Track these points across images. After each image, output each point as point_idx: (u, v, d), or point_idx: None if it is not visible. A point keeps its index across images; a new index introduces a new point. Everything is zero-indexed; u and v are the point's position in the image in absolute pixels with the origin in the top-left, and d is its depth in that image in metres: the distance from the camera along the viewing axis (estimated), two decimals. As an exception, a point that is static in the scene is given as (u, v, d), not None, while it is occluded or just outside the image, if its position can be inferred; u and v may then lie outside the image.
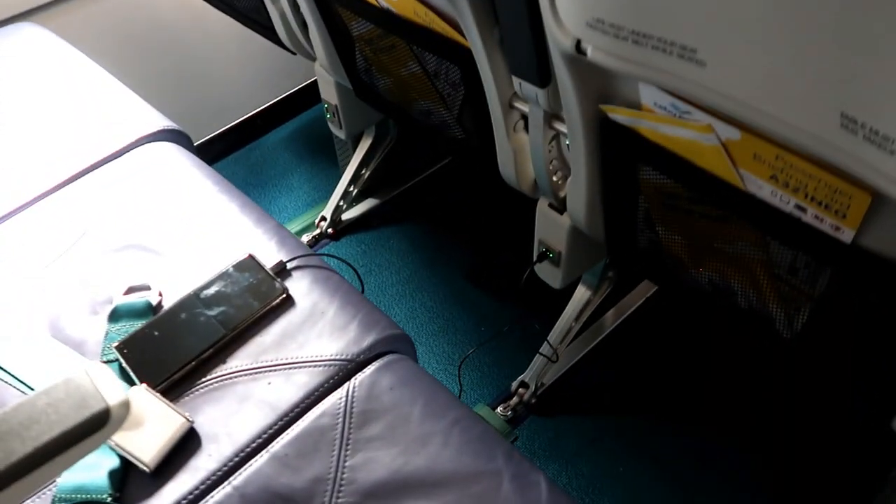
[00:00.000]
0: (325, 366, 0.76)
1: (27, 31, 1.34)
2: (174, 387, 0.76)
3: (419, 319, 1.42)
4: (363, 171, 1.61)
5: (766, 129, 0.54)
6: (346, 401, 0.73)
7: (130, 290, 0.85)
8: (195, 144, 1.78)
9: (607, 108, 0.71)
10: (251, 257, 0.85)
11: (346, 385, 0.75)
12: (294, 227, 1.64)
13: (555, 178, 0.93)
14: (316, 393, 0.74)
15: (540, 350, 1.23)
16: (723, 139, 0.61)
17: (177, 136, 1.11)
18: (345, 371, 0.76)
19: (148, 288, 0.85)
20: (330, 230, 1.60)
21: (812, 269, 0.65)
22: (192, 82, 1.73)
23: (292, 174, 1.79)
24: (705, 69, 0.51)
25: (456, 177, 1.71)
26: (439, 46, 0.90)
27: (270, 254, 0.87)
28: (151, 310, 0.83)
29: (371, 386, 0.74)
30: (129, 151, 1.05)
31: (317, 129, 1.91)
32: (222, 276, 0.84)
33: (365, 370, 0.76)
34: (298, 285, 0.84)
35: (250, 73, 1.83)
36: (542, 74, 0.75)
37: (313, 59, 1.29)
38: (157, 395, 0.73)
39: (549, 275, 1.07)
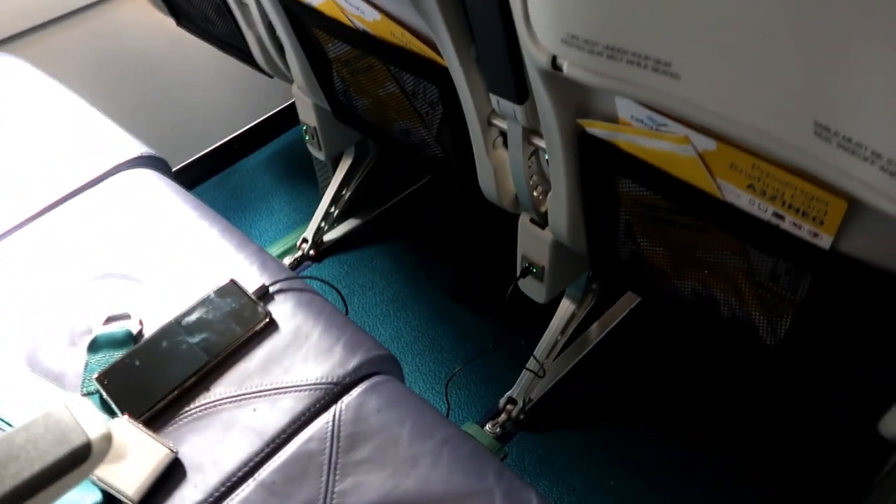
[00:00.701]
0: (310, 390, 0.75)
1: (0, 61, 1.33)
2: (157, 417, 0.74)
3: (404, 339, 1.41)
4: (344, 192, 1.60)
5: (742, 138, 0.54)
6: (333, 424, 0.72)
7: (110, 320, 0.83)
8: (174, 170, 1.78)
9: (585, 122, 0.72)
10: (233, 282, 0.85)
11: (332, 408, 0.74)
12: (276, 250, 1.63)
13: (535, 193, 0.93)
14: (302, 418, 0.73)
15: (526, 365, 1.23)
16: (699, 150, 0.61)
17: (154, 163, 1.10)
18: (331, 394, 0.75)
19: (128, 317, 0.83)
20: (312, 252, 1.59)
21: (792, 275, 0.66)
22: (169, 108, 1.72)
23: (272, 197, 1.78)
24: (679, 82, 0.52)
25: (436, 195, 1.71)
26: (416, 66, 0.91)
27: (252, 278, 0.86)
28: (132, 339, 0.81)
29: (358, 408, 0.73)
30: (106, 179, 1.04)
31: (296, 151, 1.91)
32: (204, 302, 0.83)
33: (351, 393, 0.75)
34: (281, 309, 0.83)
35: (228, 96, 1.82)
36: (519, 91, 0.75)
37: (291, 81, 1.29)
38: (140, 425, 0.72)
39: (534, 290, 1.07)
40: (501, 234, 1.59)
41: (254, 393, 0.75)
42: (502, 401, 1.27)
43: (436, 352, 1.38)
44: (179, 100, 1.73)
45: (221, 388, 0.76)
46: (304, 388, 0.75)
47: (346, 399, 0.74)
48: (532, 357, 1.23)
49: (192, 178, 1.82)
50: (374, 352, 0.79)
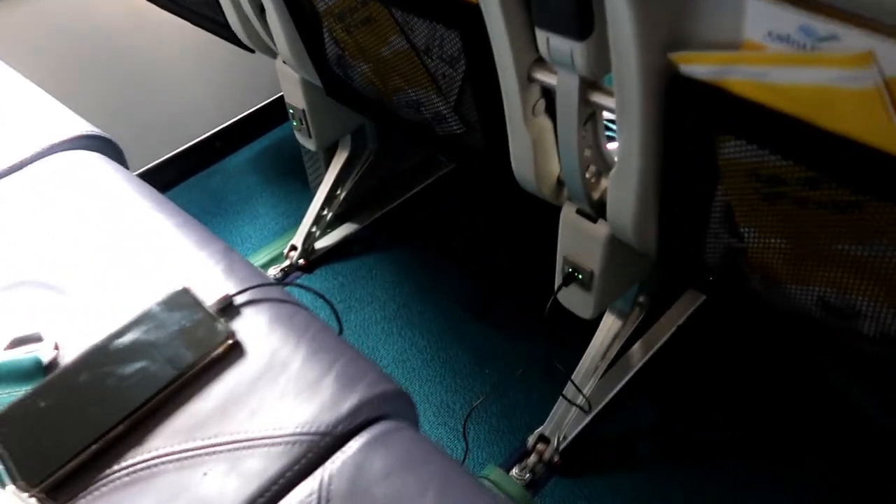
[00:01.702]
0: (287, 443, 0.52)
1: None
2: (66, 483, 0.52)
3: (410, 363, 1.18)
4: (338, 191, 1.38)
5: None
6: (321, 496, 0.50)
7: (15, 343, 0.61)
8: (142, 170, 1.56)
9: (681, 56, 0.50)
10: (185, 291, 0.62)
11: (319, 472, 0.51)
12: (260, 259, 1.41)
13: (588, 174, 0.71)
14: (274, 486, 0.50)
15: (563, 392, 1.00)
16: (888, 76, 0.39)
17: (101, 145, 0.88)
18: (317, 450, 0.52)
19: (39, 339, 0.61)
20: (302, 261, 1.37)
21: None
22: (138, 98, 1.50)
23: (257, 200, 1.56)
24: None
25: (448, 191, 1.49)
26: (433, 7, 0.69)
27: (214, 285, 0.64)
28: (42, 370, 0.59)
29: (356, 471, 0.51)
30: (37, 161, 0.82)
31: (286, 149, 1.69)
32: (144, 317, 0.61)
33: (346, 447, 0.52)
34: (251, 327, 0.61)
35: (208, 87, 1.60)
36: (582, 19, 0.53)
37: (274, 53, 1.08)
38: (41, 499, 0.49)
39: (578, 302, 0.85)
40: (531, 235, 1.38)
41: (206, 448, 0.53)
42: (531, 439, 1.04)
43: (449, 378, 1.15)
44: (151, 89, 1.51)
45: (160, 441, 0.53)
46: (279, 440, 0.52)
47: (339, 457, 0.52)
48: (569, 383, 1.00)
49: (165, 178, 1.59)
50: (378, 387, 0.57)
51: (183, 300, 0.61)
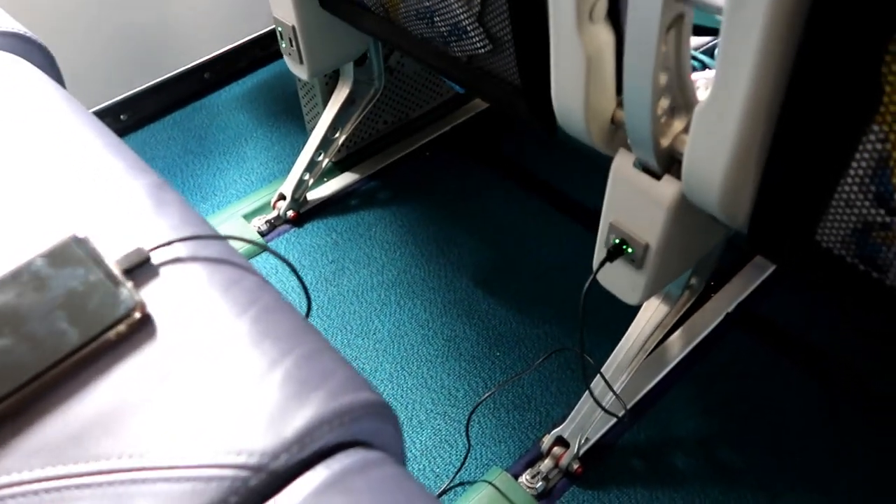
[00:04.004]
0: (201, 479, 0.34)
1: None
2: None
3: (409, 338, 1.00)
4: (336, 134, 1.19)
5: None
6: (239, 573, 0.32)
7: None
8: (118, 99, 1.37)
9: None
10: (80, 240, 0.44)
11: (242, 531, 0.33)
12: (244, 207, 1.22)
13: (660, 110, 0.52)
14: (173, 548, 0.33)
15: (590, 386, 0.82)
16: None
17: (25, 48, 0.69)
18: (244, 493, 0.34)
19: None
20: (290, 213, 1.18)
21: None
22: (115, 18, 1.30)
23: (246, 141, 1.36)
24: None
25: (465, 142, 1.30)
26: None
27: (126, 234, 0.45)
28: None
29: (298, 537, 0.33)
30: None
31: (283, 86, 1.49)
32: (18, 275, 0.42)
33: (288, 491, 0.34)
34: (170, 296, 0.42)
35: (198, 9, 1.40)
36: None
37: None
38: None
39: (623, 282, 0.66)
40: (557, 203, 1.18)
41: (80, 476, 0.35)
42: (547, 441, 0.87)
43: (453, 360, 0.97)
44: (131, 7, 1.31)
45: (15, 462, 0.36)
46: (189, 474, 0.34)
47: (277, 508, 0.34)
48: (599, 377, 0.82)
49: (142, 111, 1.41)
50: (350, 395, 0.38)
51: (76, 253, 0.43)
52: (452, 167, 1.26)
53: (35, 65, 0.68)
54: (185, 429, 0.36)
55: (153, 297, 0.42)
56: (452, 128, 1.33)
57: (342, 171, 1.27)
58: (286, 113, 1.41)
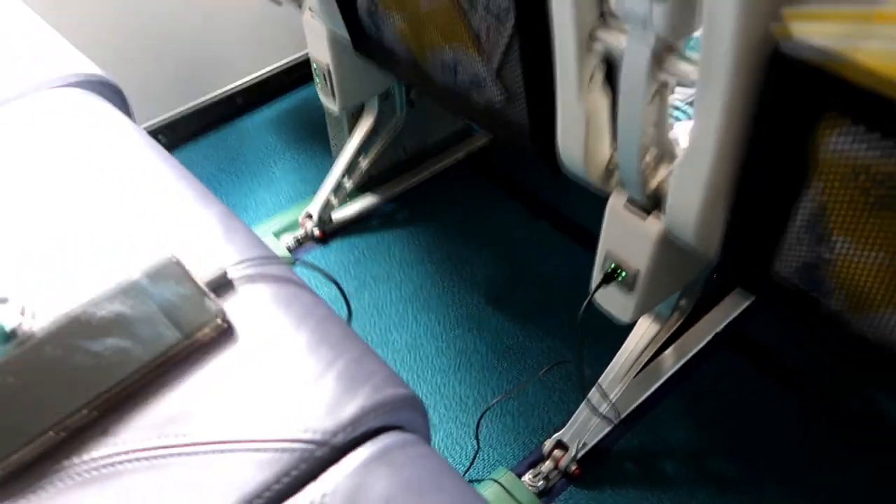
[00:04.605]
0: (277, 450, 0.44)
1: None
2: (18, 475, 0.44)
3: (424, 350, 1.10)
4: (360, 160, 1.29)
5: None
6: (309, 520, 0.42)
7: (-20, 305, 0.53)
8: (158, 123, 1.48)
9: (786, 29, 0.41)
10: (175, 261, 0.54)
11: (310, 488, 0.43)
12: (274, 225, 1.33)
13: (647, 160, 0.62)
14: (259, 499, 0.42)
15: (588, 396, 0.91)
16: None
17: (102, 87, 0.80)
18: (311, 461, 0.44)
19: (5, 300, 0.53)
20: (317, 231, 1.29)
21: None
22: (154, 46, 1.42)
23: (276, 163, 1.47)
24: None
25: (481, 170, 1.40)
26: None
27: (208, 256, 0.56)
28: (5, 338, 0.51)
29: (353, 493, 0.42)
30: (25, 97, 0.74)
31: (310, 111, 1.60)
32: (126, 288, 0.52)
33: (345, 461, 0.44)
34: (247, 308, 0.52)
35: (231, 39, 1.51)
36: (668, -31, 0.44)
37: (301, 4, 0.98)
38: (-22, 494, 0.42)
39: (617, 304, 0.76)
40: (563, 227, 1.28)
41: (183, 447, 0.45)
42: (548, 444, 0.96)
43: (464, 370, 1.07)
44: (170, 38, 1.42)
45: (132, 435, 0.46)
46: (268, 446, 0.44)
47: (336, 473, 0.43)
48: (596, 388, 0.92)
49: (179, 134, 1.52)
50: (388, 390, 0.48)
51: (172, 271, 0.53)
52: (466, 191, 1.36)
53: (108, 101, 0.79)
54: (263, 412, 0.46)
55: (231, 307, 0.52)
56: (467, 154, 1.43)
57: (364, 193, 1.37)
58: (312, 137, 1.52)
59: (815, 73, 0.42)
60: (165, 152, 0.69)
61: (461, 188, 1.37)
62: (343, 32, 0.92)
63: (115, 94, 0.82)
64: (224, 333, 0.50)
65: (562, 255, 1.23)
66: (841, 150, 0.44)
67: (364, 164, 1.31)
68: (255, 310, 0.52)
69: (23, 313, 0.52)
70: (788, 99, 0.45)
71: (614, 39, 0.55)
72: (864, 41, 0.38)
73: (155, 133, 1.49)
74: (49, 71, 0.78)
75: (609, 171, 0.68)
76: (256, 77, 1.59)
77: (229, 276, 0.54)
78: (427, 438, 0.51)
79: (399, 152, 1.40)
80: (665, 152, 0.62)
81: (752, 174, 0.52)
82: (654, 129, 0.59)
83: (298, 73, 1.64)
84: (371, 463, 0.44)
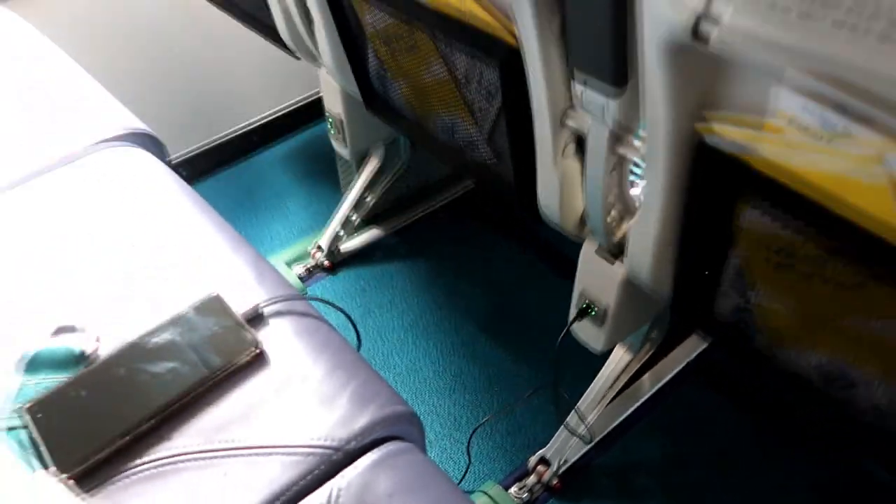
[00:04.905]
0: (301, 454, 0.56)
1: (-4, 16, 1.17)
2: (95, 471, 0.55)
3: (422, 373, 1.21)
4: (367, 197, 1.42)
5: None
6: (328, 509, 0.53)
7: (59, 331, 0.65)
8: (178, 158, 1.61)
9: (708, 127, 0.53)
10: (218, 298, 0.66)
11: (329, 485, 0.54)
12: (286, 255, 1.45)
13: (610, 218, 0.74)
14: (287, 493, 0.54)
15: (566, 421, 1.03)
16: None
17: (147, 142, 0.92)
18: (329, 463, 0.55)
19: (82, 330, 0.65)
20: (326, 262, 1.41)
21: None
22: (184, 87, 1.55)
23: (288, 197, 1.60)
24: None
25: (476, 207, 1.52)
26: (475, 43, 0.72)
27: (244, 294, 0.67)
28: (82, 360, 0.63)
29: (363, 489, 0.54)
30: (86, 155, 0.86)
31: (319, 147, 1.73)
32: (178, 320, 0.64)
33: (356, 464, 0.56)
34: (276, 338, 0.64)
35: (249, 81, 1.65)
36: (617, 75, 0.56)
37: (319, 64, 1.11)
38: (70, 485, 0.53)
39: (590, 335, 0.88)
40: (551, 263, 1.40)
41: (227, 450, 0.56)
42: (533, 460, 1.07)
43: (458, 392, 1.18)
44: (193, 79, 1.56)
45: (185, 440, 0.57)
46: (294, 450, 0.56)
47: (349, 473, 0.55)
48: (574, 411, 1.03)
49: (200, 167, 1.64)
50: (390, 407, 0.60)
51: (215, 306, 0.65)
52: (463, 226, 1.48)
53: (150, 151, 0.91)
54: (291, 423, 0.57)
55: (264, 337, 0.63)
56: (464, 192, 1.55)
57: (369, 227, 1.49)
58: (322, 172, 1.64)
59: (731, 162, 0.54)
60: (204, 202, 0.81)
61: (458, 223, 1.49)
62: (355, 92, 1.05)
63: (155, 145, 0.95)
64: (258, 359, 0.62)
65: (549, 287, 1.34)
66: (751, 222, 0.56)
67: (370, 200, 1.43)
68: (284, 340, 0.64)
69: (97, 341, 0.64)
70: (713, 179, 0.57)
71: (581, 122, 0.67)
72: (760, 143, 0.50)
73: (175, 167, 1.62)
74: (102, 128, 0.90)
75: (582, 222, 0.80)
76: (271, 115, 1.72)
77: (262, 311, 0.66)
78: (423, 448, 0.62)
79: (402, 189, 1.51)
80: (626, 210, 0.74)
81: (691, 234, 0.64)
82: (616, 192, 0.71)
83: (309, 113, 1.77)
84: (377, 466, 0.56)
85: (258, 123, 1.70)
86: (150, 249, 0.73)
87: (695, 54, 0.44)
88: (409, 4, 0.75)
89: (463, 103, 0.82)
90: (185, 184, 0.85)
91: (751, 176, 0.52)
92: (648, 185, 0.61)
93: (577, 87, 0.61)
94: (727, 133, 0.52)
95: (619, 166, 0.69)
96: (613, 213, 0.74)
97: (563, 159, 0.73)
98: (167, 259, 0.72)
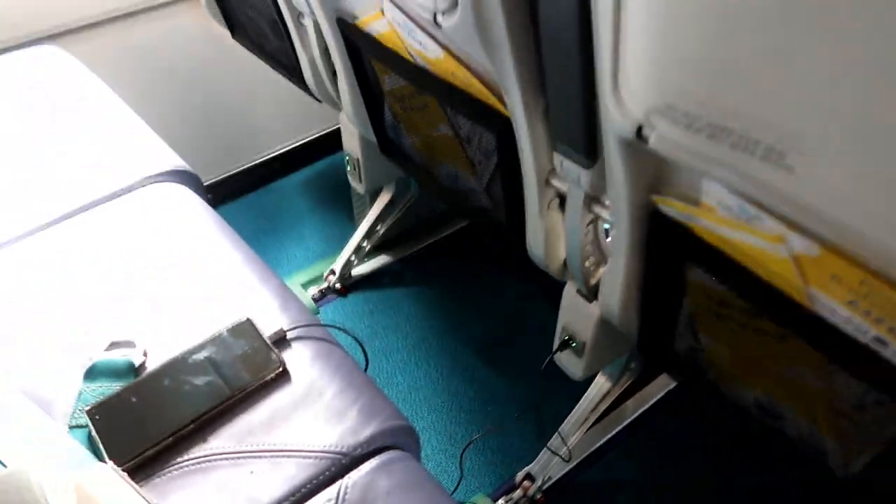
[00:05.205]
0: (316, 457, 0.67)
1: (48, 54, 1.31)
2: (145, 465, 0.67)
3: (423, 391, 1.33)
4: (378, 227, 1.54)
5: (858, 250, 0.46)
6: (337, 503, 0.64)
7: (113, 346, 0.77)
8: (208, 183, 1.74)
9: (660, 199, 0.64)
10: (249, 322, 0.77)
11: (338, 484, 0.65)
12: (302, 278, 1.57)
13: (587, 264, 0.85)
14: (303, 489, 0.65)
15: (549, 444, 1.13)
16: (795, 252, 0.53)
17: (187, 178, 1.05)
18: (338, 466, 0.67)
19: (133, 344, 0.77)
20: (338, 285, 1.53)
21: (886, 408, 0.57)
22: (213, 118, 1.69)
23: (305, 222, 1.72)
24: (792, 176, 0.44)
25: (478, 240, 1.64)
26: (475, 112, 0.84)
27: (270, 319, 0.79)
28: (133, 370, 0.74)
29: (366, 488, 0.65)
30: (134, 190, 0.99)
31: (335, 175, 1.85)
32: (215, 340, 0.76)
33: (361, 468, 0.67)
34: (297, 358, 0.75)
35: (275, 114, 1.78)
36: (589, 152, 0.68)
37: (339, 108, 1.24)
38: (125, 476, 0.64)
39: (570, 365, 0.99)
40: (546, 295, 1.51)
41: (254, 452, 0.68)
42: (519, 476, 1.18)
43: (454, 411, 1.29)
44: (225, 110, 1.69)
45: (220, 442, 0.68)
46: (310, 454, 0.67)
47: (354, 475, 0.66)
48: (556, 434, 1.14)
49: (226, 191, 1.77)
50: (391, 422, 0.71)
51: (246, 330, 0.77)
52: (467, 255, 1.60)
53: (194, 189, 1.03)
54: (308, 431, 0.69)
55: (288, 358, 0.75)
56: (467, 225, 1.67)
57: (379, 253, 1.61)
58: (337, 200, 1.77)
59: (679, 228, 0.65)
60: (237, 235, 0.93)
61: (461, 254, 1.61)
62: (371, 137, 1.17)
63: (194, 181, 1.07)
64: (281, 376, 0.73)
65: (542, 317, 1.45)
66: (696, 278, 0.67)
67: (381, 230, 1.55)
68: (304, 360, 0.75)
69: (145, 354, 0.76)
70: (665, 241, 0.68)
71: (562, 184, 0.79)
72: (698, 216, 0.62)
73: (206, 189, 1.75)
74: (148, 166, 1.03)
75: (565, 265, 0.91)
76: (292, 146, 1.85)
77: (286, 335, 0.77)
78: (418, 457, 0.73)
79: (411, 219, 1.63)
80: (601, 258, 0.85)
81: (651, 284, 0.75)
82: (592, 242, 0.83)
83: (327, 144, 1.90)
84: (378, 470, 0.67)
85: (280, 153, 1.83)
86: (190, 277, 0.85)
87: (642, 148, 0.56)
88: (422, 74, 0.88)
89: (465, 157, 0.94)
90: (220, 218, 0.97)
91: (694, 241, 0.64)
92: (614, 242, 0.73)
93: (558, 158, 0.73)
94: (674, 205, 0.64)
95: (594, 222, 0.80)
96: (590, 260, 0.85)
97: (549, 212, 0.85)
98: (205, 286, 0.84)
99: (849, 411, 0.60)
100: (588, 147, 0.67)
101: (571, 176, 0.73)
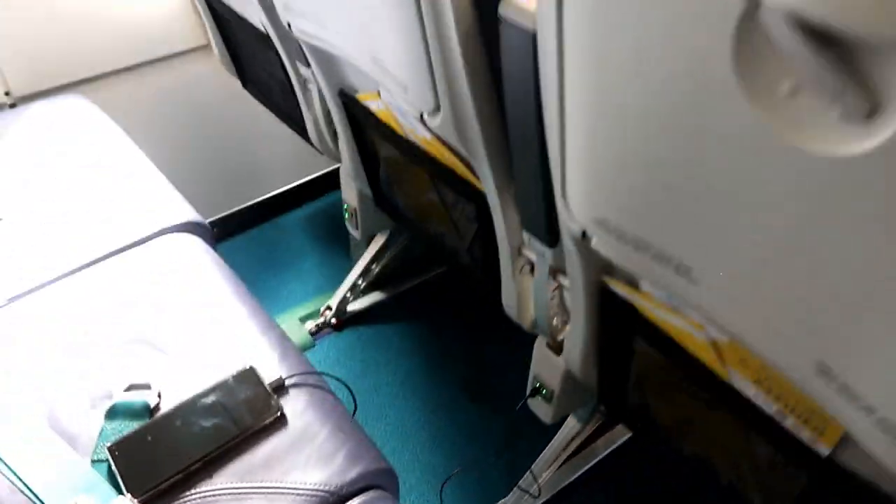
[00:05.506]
0: (307, 495, 0.77)
1: (71, 103, 1.42)
2: (158, 498, 0.77)
3: (408, 426, 1.42)
4: (373, 266, 1.64)
5: (752, 352, 0.56)
6: (324, 536, 0.74)
7: (131, 388, 0.87)
8: (215, 218, 1.85)
9: (610, 280, 0.75)
10: (252, 370, 0.88)
11: (325, 518, 0.76)
12: (300, 312, 1.67)
13: (554, 322, 0.95)
14: (295, 523, 0.75)
15: (520, 483, 1.23)
16: (713, 338, 0.64)
17: (199, 229, 1.16)
18: (327, 503, 0.77)
19: (148, 387, 0.87)
20: (334, 320, 1.63)
21: (790, 470, 0.67)
22: (220, 158, 1.80)
23: (305, 258, 1.83)
24: (698, 288, 0.55)
25: (464, 281, 1.74)
26: (458, 186, 0.95)
27: (271, 367, 0.89)
28: (149, 411, 0.85)
29: (349, 523, 0.75)
30: (148, 241, 1.09)
31: (333, 213, 1.96)
32: (222, 385, 0.86)
33: (346, 504, 0.77)
34: (293, 404, 0.86)
35: (276, 157, 1.90)
36: (551, 237, 0.78)
37: (339, 161, 1.35)
38: (139, 506, 0.74)
39: (541, 410, 1.09)
40: (523, 339, 1.60)
41: (253, 488, 0.78)
42: (495, 507, 1.27)
43: (437, 446, 1.39)
44: (231, 155, 1.81)
45: (223, 479, 0.78)
46: (302, 492, 0.77)
47: (340, 511, 0.76)
48: (528, 472, 1.23)
49: (230, 228, 1.88)
50: (374, 465, 0.81)
51: (249, 377, 0.87)
52: (454, 295, 1.70)
53: (204, 239, 1.14)
54: (302, 470, 0.79)
55: (285, 403, 0.85)
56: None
57: (373, 290, 1.71)
58: (335, 238, 1.87)
59: (625, 305, 0.76)
60: (243, 286, 1.04)
61: (448, 294, 1.71)
62: (368, 191, 1.28)
63: (206, 232, 1.18)
64: (279, 420, 0.84)
65: (522, 359, 1.55)
66: (641, 347, 0.78)
67: (375, 269, 1.66)
68: (299, 406, 0.85)
69: (159, 396, 0.86)
70: (614, 314, 0.79)
71: (532, 255, 0.90)
72: (639, 298, 0.72)
73: (212, 224, 1.86)
74: (164, 218, 1.13)
75: (535, 322, 1.02)
76: (293, 185, 1.97)
77: (284, 382, 0.87)
78: (397, 496, 0.83)
79: (404, 260, 1.74)
80: (567, 318, 0.96)
81: (605, 347, 0.86)
82: (557, 304, 0.93)
83: (326, 184, 2.01)
84: (361, 507, 0.77)
85: (281, 191, 1.95)
86: (200, 325, 0.95)
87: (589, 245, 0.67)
88: (413, 149, 0.99)
89: (450, 221, 1.05)
90: (228, 269, 1.08)
91: (637, 318, 0.74)
92: (573, 310, 0.84)
93: (527, 235, 0.84)
94: (621, 287, 0.74)
95: (559, 288, 0.91)
96: (556, 319, 0.96)
97: (521, 276, 0.96)
98: (213, 334, 0.94)
99: (764, 468, 0.71)
100: (549, 234, 0.78)
101: (538, 250, 0.84)
